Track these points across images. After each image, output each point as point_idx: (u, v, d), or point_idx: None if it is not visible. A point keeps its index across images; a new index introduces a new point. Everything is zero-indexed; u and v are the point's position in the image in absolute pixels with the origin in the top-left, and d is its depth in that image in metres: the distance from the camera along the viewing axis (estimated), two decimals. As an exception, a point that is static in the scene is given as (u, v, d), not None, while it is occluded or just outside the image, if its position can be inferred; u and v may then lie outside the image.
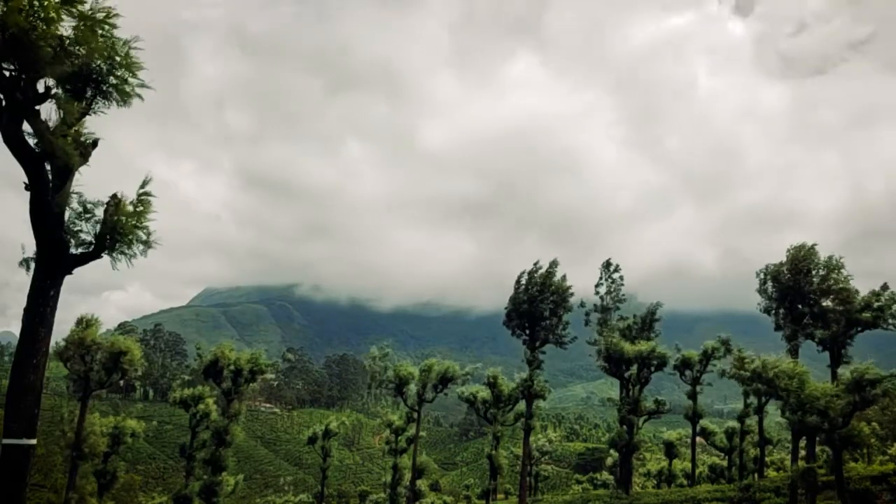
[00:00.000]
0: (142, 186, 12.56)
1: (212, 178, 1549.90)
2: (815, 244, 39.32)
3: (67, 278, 12.07)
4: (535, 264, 45.50)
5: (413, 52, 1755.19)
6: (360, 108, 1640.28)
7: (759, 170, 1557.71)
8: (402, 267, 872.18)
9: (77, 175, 12.02)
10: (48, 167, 11.48)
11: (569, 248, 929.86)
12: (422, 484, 51.36)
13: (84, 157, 11.92)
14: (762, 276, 40.18)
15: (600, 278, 49.65)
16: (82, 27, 10.80)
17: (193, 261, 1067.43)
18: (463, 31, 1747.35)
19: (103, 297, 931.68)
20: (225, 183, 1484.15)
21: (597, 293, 49.50)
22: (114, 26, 11.15)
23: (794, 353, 37.96)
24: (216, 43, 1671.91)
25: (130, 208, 12.38)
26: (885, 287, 37.59)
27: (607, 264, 49.90)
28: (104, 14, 10.93)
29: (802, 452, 34.37)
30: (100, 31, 11.00)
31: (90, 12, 10.80)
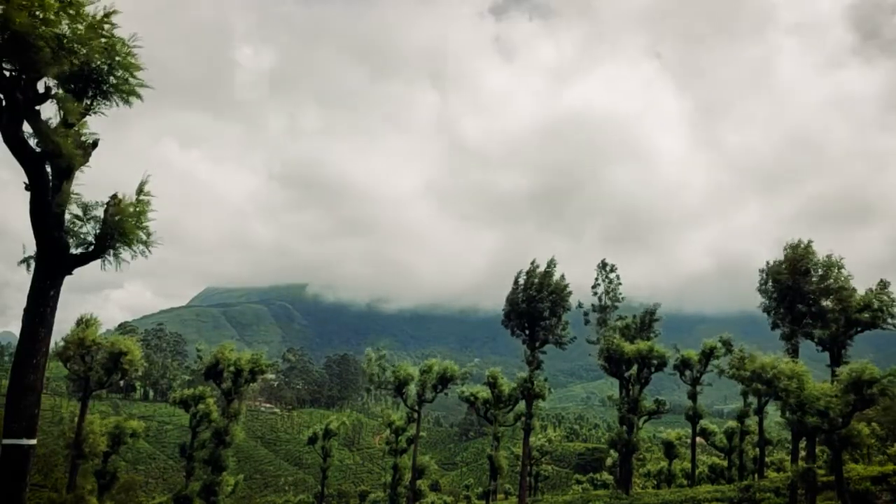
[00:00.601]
0: (141, 186, 12.58)
1: (240, 170, 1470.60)
2: (811, 241, 39.21)
3: (68, 276, 12.10)
4: (533, 263, 45.52)
5: (456, 38, 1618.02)
6: (401, 98, 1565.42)
7: (841, 161, 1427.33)
8: (425, 266, 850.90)
9: (78, 174, 12.04)
10: (48, 167, 11.51)
11: (616, 247, 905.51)
12: (422, 484, 51.40)
13: (85, 157, 11.95)
14: (763, 275, 40.07)
15: (597, 279, 49.76)
16: (81, 27, 10.82)
17: (209, 257, 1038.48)
18: (507, 14, 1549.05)
19: (103, 294, 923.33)
20: (253, 176, 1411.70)
21: (594, 293, 49.57)
22: (114, 25, 11.18)
23: (793, 352, 37.91)
24: (252, 29, 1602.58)
25: (131, 208, 12.40)
26: (882, 284, 37.50)
27: (603, 264, 50.02)
28: (103, 13, 10.95)
29: (802, 453, 34.36)
30: (101, 31, 11.04)
31: (87, 10, 10.81)
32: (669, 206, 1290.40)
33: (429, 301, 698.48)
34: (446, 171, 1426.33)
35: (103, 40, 11.10)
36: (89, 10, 10.93)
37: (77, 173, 11.93)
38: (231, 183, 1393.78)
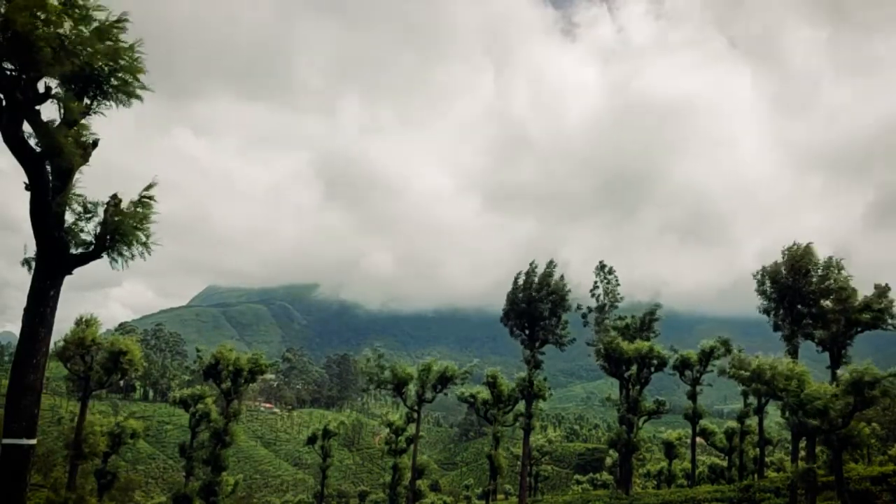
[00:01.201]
0: (146, 189, 12.57)
1: (268, 165, 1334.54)
2: (811, 243, 39.35)
3: (67, 276, 12.10)
4: (532, 264, 45.56)
5: (512, 21, 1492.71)
6: (448, 87, 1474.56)
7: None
8: (455, 266, 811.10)
9: (85, 169, 12.04)
10: (48, 167, 11.51)
11: (671, 246, 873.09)
12: (422, 484, 51.35)
13: (84, 156, 11.94)
14: (759, 276, 40.14)
15: (596, 280, 49.89)
16: (86, 29, 10.83)
17: (218, 255, 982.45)
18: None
19: (103, 292, 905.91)
20: (281, 171, 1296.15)
21: (592, 295, 49.66)
22: (122, 30, 11.19)
23: (793, 353, 37.94)
24: (297, 11, 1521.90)
25: (133, 209, 12.40)
26: (886, 287, 37.51)
27: (602, 266, 50.18)
28: (113, 19, 10.97)
29: (802, 453, 34.36)
30: (108, 35, 11.05)
31: (94, 15, 10.81)
32: (738, 203, 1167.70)
33: (448, 302, 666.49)
34: (490, 164, 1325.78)
35: (108, 44, 11.10)
36: (97, 14, 10.94)
37: (84, 169, 11.94)
38: (255, 178, 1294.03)
